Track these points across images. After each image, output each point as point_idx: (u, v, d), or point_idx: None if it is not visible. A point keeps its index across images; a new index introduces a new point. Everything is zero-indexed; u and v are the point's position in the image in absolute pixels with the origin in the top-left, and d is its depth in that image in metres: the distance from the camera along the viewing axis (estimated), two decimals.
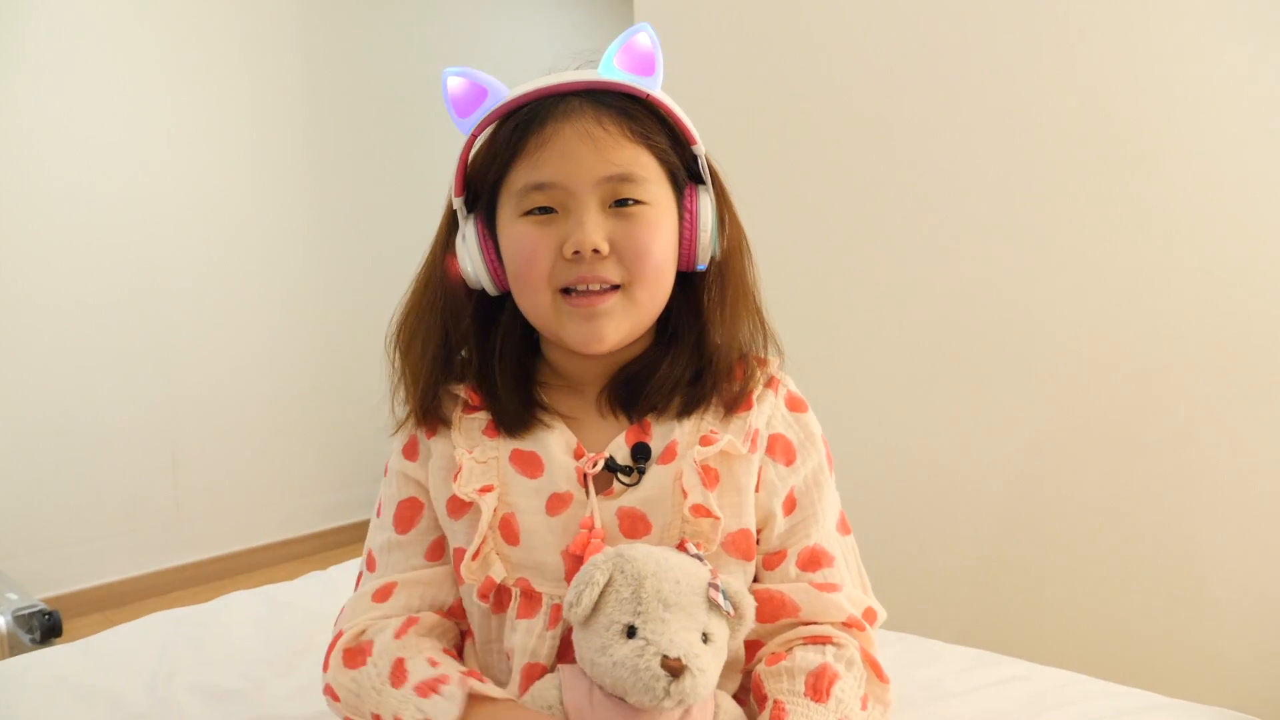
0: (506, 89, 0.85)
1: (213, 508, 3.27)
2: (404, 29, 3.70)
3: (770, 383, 0.92)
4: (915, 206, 1.91)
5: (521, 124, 0.83)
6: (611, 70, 0.84)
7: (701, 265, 0.88)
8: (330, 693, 0.85)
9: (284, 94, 3.38)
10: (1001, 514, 1.84)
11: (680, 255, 0.87)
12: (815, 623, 0.84)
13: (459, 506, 0.86)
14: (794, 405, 0.92)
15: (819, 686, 0.79)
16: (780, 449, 0.89)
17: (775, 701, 0.78)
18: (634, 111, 0.84)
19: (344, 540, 3.58)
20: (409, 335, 0.91)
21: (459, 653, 0.89)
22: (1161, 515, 1.66)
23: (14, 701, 1.20)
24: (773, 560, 0.88)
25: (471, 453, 0.86)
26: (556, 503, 0.84)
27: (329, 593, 1.59)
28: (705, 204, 0.87)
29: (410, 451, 0.92)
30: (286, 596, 1.57)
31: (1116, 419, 1.69)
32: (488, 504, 0.83)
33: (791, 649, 0.83)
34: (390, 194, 3.63)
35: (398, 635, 0.83)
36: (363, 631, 0.85)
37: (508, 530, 0.84)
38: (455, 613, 0.89)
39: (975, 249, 1.83)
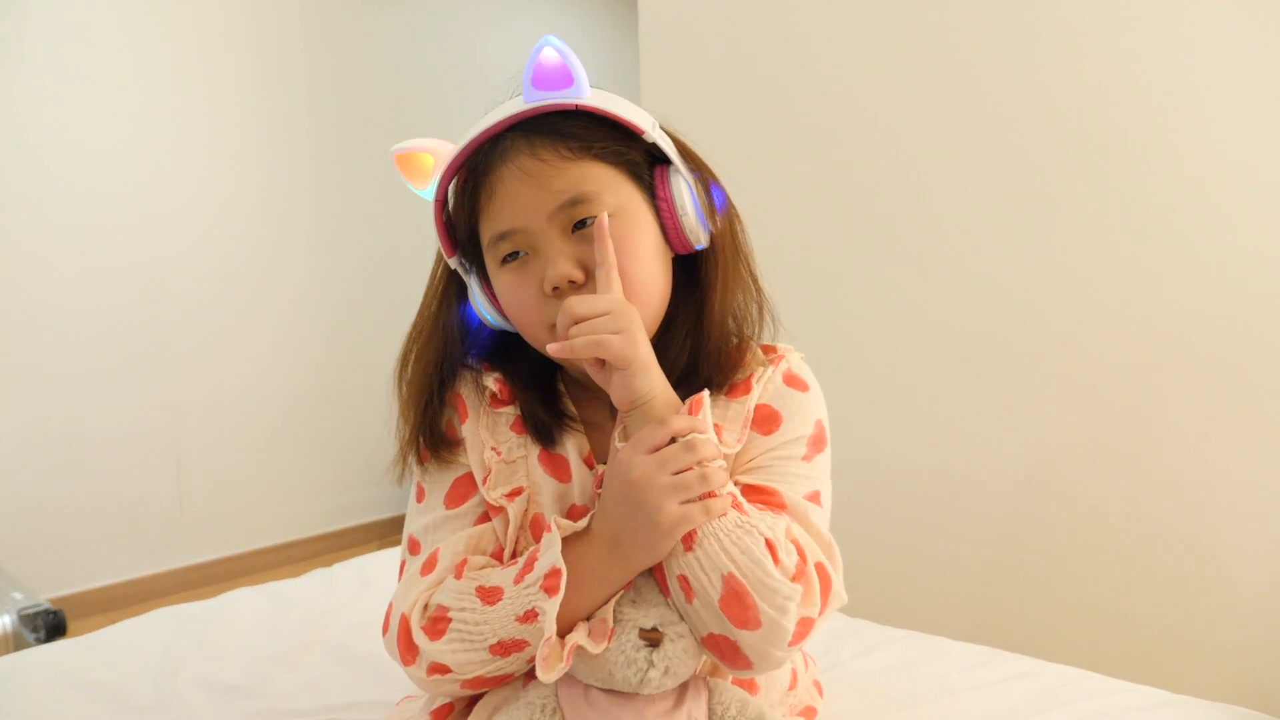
0: (449, 146, 0.85)
1: (217, 509, 3.27)
2: (408, 31, 3.71)
3: (774, 360, 0.89)
4: (919, 207, 1.91)
5: (470, 178, 0.84)
6: (532, 94, 0.81)
7: (701, 245, 0.85)
8: (438, 669, 0.78)
9: (289, 97, 3.39)
10: (1009, 511, 1.84)
11: (670, 242, 0.85)
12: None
13: (488, 506, 0.86)
14: (790, 382, 0.89)
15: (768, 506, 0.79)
16: (762, 419, 0.86)
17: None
18: (568, 128, 0.81)
19: (348, 543, 3.58)
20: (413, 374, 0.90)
21: None
22: (1168, 512, 1.65)
23: (19, 696, 1.21)
24: None
25: (500, 453, 0.86)
26: (573, 515, 0.83)
27: (333, 590, 1.59)
28: (679, 184, 0.84)
29: (452, 431, 0.90)
30: (291, 593, 1.56)
31: (1122, 416, 1.69)
32: (515, 510, 0.84)
33: None
34: (395, 196, 3.63)
35: (458, 578, 0.80)
36: (426, 605, 0.80)
37: (537, 531, 0.84)
38: (499, 558, 0.85)
39: (979, 248, 1.83)
